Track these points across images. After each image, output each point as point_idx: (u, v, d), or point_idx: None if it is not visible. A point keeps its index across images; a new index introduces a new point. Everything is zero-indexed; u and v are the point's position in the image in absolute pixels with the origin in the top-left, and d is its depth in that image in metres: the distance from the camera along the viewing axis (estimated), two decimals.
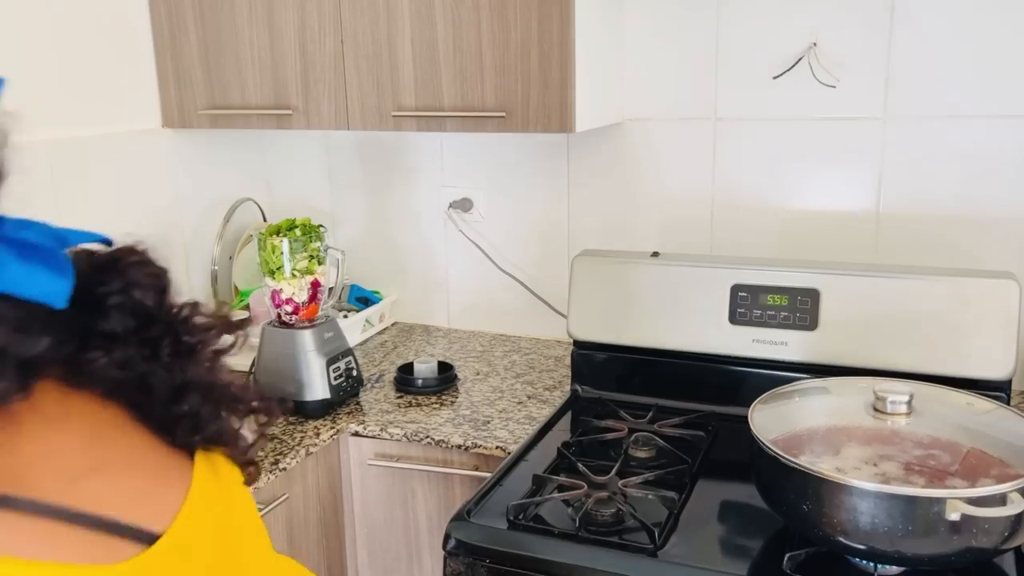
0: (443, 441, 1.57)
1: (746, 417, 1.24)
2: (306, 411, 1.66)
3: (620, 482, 1.33)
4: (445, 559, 1.26)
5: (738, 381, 1.60)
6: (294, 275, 1.67)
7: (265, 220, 2.21)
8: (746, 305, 1.58)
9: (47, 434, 0.54)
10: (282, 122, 1.82)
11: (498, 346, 2.07)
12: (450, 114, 1.67)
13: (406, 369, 1.84)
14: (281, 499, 1.52)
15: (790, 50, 1.72)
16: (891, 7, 1.64)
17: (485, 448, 1.54)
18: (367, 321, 2.14)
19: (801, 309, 1.55)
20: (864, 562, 1.14)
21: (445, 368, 1.84)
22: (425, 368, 1.83)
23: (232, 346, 0.66)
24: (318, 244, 1.69)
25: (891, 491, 1.05)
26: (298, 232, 1.68)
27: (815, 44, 1.70)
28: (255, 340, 1.71)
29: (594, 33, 1.67)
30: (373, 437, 1.64)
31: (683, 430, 1.53)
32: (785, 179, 1.79)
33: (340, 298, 2.09)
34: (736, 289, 1.59)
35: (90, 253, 0.59)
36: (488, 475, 1.47)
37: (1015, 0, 1.57)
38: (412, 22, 1.67)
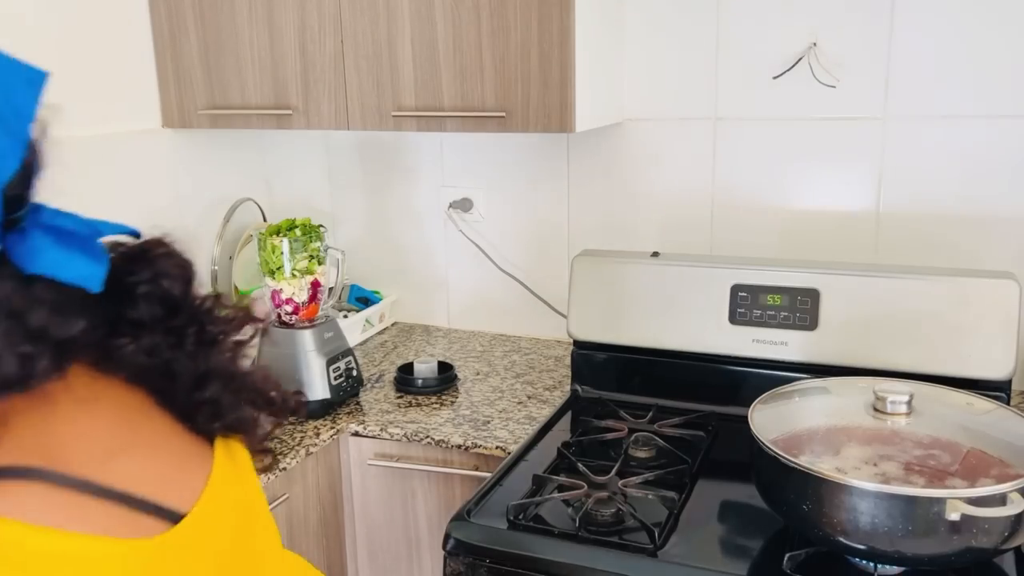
0: (443, 441, 1.57)
1: (746, 417, 1.24)
2: (306, 411, 1.66)
3: (620, 482, 1.33)
4: (445, 559, 1.26)
5: (738, 381, 1.60)
6: (294, 275, 1.67)
7: (265, 220, 2.20)
8: (746, 305, 1.58)
9: (79, 415, 0.56)
10: (282, 122, 1.82)
11: (498, 346, 2.07)
12: (450, 114, 1.67)
13: (406, 369, 1.84)
14: (281, 499, 1.52)
15: (790, 50, 1.72)
16: (891, 7, 1.64)
17: (485, 448, 1.54)
18: (367, 321, 2.14)
19: (801, 309, 1.55)
20: (864, 562, 1.14)
21: (445, 368, 1.84)
22: (425, 368, 1.83)
23: (252, 337, 0.69)
24: (318, 244, 1.69)
25: (891, 491, 1.05)
26: (298, 232, 1.68)
27: (815, 44, 1.70)
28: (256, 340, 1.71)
29: (594, 33, 1.66)
30: (373, 437, 1.64)
31: (683, 430, 1.53)
32: (785, 179, 1.79)
33: (340, 298, 2.09)
34: (736, 289, 1.59)
35: (120, 244, 0.61)
36: (488, 475, 1.47)
37: (1015, 0, 1.57)
38: (412, 22, 1.67)
